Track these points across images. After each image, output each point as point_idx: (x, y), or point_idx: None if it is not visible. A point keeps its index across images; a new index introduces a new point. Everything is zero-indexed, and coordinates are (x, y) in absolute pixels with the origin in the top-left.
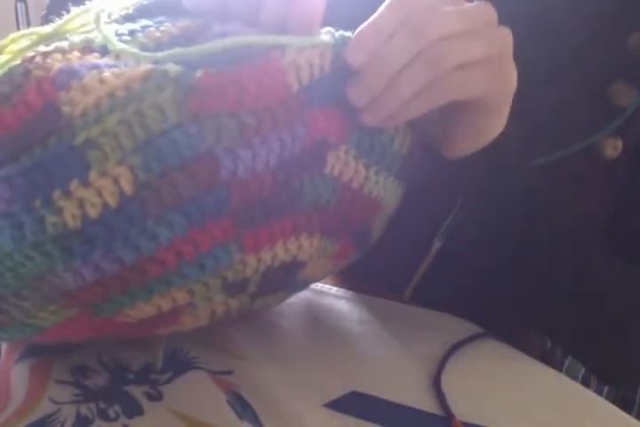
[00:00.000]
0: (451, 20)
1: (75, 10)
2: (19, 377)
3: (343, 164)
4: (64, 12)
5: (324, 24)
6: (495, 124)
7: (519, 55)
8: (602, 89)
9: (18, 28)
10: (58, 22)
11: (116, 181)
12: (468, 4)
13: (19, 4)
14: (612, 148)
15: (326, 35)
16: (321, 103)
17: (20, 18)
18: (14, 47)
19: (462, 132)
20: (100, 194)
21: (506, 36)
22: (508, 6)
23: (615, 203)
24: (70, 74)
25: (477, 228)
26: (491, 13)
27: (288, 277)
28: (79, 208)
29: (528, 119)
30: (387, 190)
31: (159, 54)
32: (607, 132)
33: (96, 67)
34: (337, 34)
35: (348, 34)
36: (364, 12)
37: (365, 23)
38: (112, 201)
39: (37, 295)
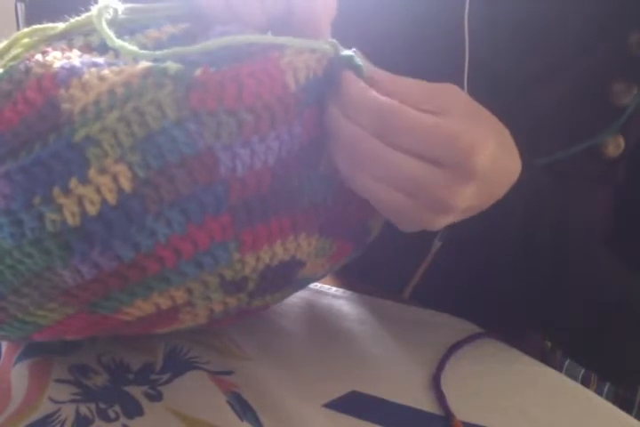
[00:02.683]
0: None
1: (93, 8)
2: (19, 377)
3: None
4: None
5: None
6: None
7: (514, 55)
8: (602, 88)
9: (18, 28)
10: (75, 19)
11: (115, 178)
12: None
13: (19, 4)
14: (615, 146)
15: (327, 44)
16: (314, 103)
17: (20, 18)
18: (26, 41)
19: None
20: (99, 191)
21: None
22: (503, 6)
23: (615, 203)
24: (70, 71)
25: (478, 227)
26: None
27: (287, 277)
28: (78, 205)
29: (527, 118)
30: None
31: (158, 52)
32: (611, 133)
33: (96, 64)
34: (343, 50)
35: (351, 53)
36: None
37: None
38: (111, 198)
39: (36, 293)
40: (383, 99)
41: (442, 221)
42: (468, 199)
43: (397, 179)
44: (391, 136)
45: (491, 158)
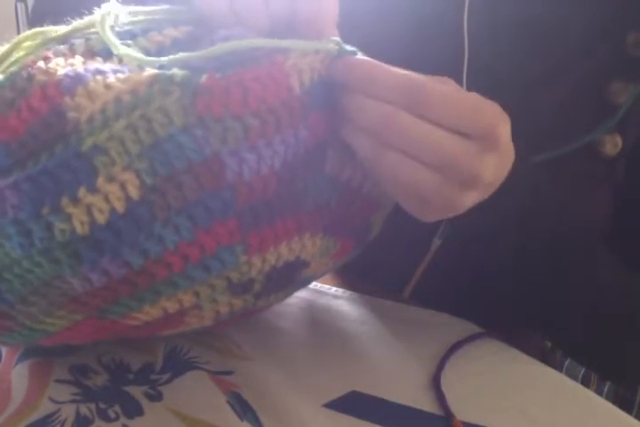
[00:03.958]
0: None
1: (97, 11)
2: (19, 377)
3: (341, 163)
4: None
5: None
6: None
7: (516, 57)
8: (600, 88)
9: (18, 28)
10: (77, 22)
11: (123, 186)
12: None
13: (19, 4)
14: (613, 145)
15: (331, 43)
16: (319, 105)
17: (20, 18)
18: (28, 44)
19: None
20: (107, 199)
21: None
22: (504, 9)
23: (616, 203)
24: (75, 79)
25: (477, 227)
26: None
27: (292, 277)
28: (87, 214)
29: (528, 120)
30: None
31: (163, 59)
32: (605, 130)
33: (101, 72)
34: (345, 46)
35: (354, 48)
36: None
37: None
38: (119, 206)
39: (45, 301)
40: (408, 72)
41: (469, 199)
42: (492, 171)
43: (428, 152)
44: (419, 109)
45: (508, 132)
